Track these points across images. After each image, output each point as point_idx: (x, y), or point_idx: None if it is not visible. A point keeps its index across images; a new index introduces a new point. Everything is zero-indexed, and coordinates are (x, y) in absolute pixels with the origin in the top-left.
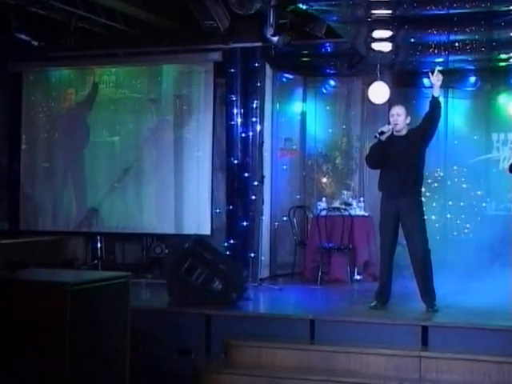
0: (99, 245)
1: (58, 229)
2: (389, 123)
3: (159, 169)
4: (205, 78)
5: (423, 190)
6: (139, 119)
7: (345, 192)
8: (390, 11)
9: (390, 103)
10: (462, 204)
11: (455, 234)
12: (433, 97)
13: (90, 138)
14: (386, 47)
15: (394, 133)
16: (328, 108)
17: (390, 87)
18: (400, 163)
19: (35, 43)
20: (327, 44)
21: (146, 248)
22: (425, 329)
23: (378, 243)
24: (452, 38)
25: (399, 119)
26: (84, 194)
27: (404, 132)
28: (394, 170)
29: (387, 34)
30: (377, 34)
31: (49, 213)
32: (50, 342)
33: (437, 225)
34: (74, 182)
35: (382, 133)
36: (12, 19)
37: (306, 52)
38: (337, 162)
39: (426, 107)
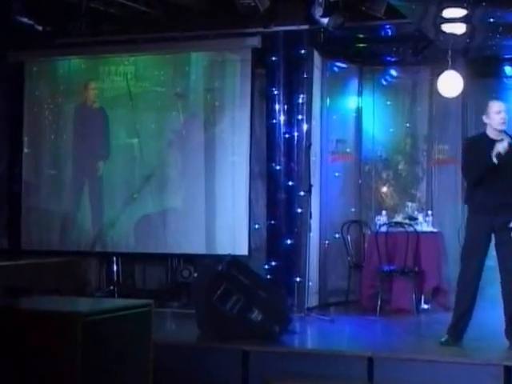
0: (116, 267)
1: (66, 248)
2: (484, 127)
3: (187, 176)
4: (241, 67)
5: None
6: (163, 117)
7: (409, 204)
8: None
9: (464, 97)
10: None
11: None
12: None
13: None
14: (460, 29)
15: (493, 136)
16: (389, 103)
17: (463, 77)
18: (500, 175)
19: (39, 28)
20: (388, 26)
21: (172, 271)
22: (508, 370)
23: (450, 265)
24: None
25: (506, 117)
26: (99, 207)
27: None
28: (492, 181)
29: (461, 12)
30: (448, 12)
31: (56, 229)
32: (59, 381)
33: None
34: (91, 193)
35: (498, 154)
36: (12, 0)
37: (362, 36)
38: (399, 167)
39: (508, 100)
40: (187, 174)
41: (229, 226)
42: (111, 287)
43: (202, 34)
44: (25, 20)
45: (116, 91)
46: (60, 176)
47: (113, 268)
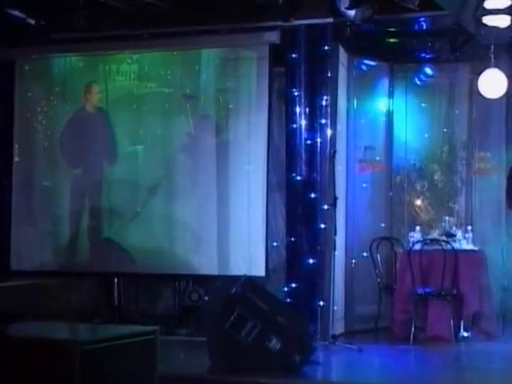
0: (117, 290)
1: (61, 268)
2: None
3: (197, 188)
4: (257, 66)
5: None
6: (170, 122)
7: (446, 218)
8: None
9: (509, 98)
10: None
11: None
12: None
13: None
14: (503, 21)
15: None
16: (423, 105)
17: (507, 76)
18: None
19: (32, 22)
20: (422, 19)
21: (179, 294)
22: None
23: (493, 288)
24: None
25: None
26: (99, 222)
27: None
28: None
29: (504, 3)
30: (490, 3)
31: (50, 247)
32: None
33: None
34: (91, 206)
35: None
36: None
37: (393, 30)
38: (435, 177)
39: None
40: (197, 185)
41: (243, 243)
42: (112, 312)
43: (214, 29)
44: (16, 13)
45: (118, 93)
46: (55, 188)
47: (114, 290)
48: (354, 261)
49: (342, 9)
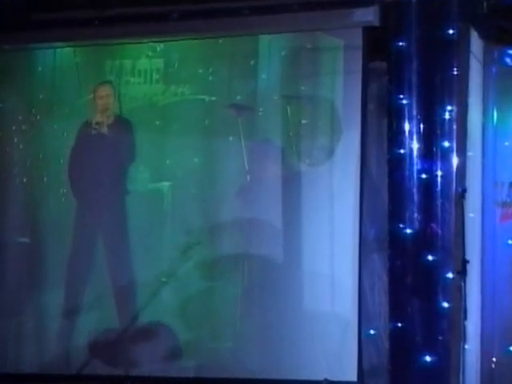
0: None
1: (48, 370)
2: None
3: (253, 247)
4: (345, 60)
5: None
6: (212, 146)
7: None
8: None
9: None
10: None
11: None
12: None
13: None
14: None
15: None
16: None
17: None
18: None
19: None
20: None
21: None
22: None
23: None
24: None
25: None
26: (105, 300)
27: None
28: None
29: None
30: None
31: (30, 339)
32: None
33: None
34: (94, 275)
35: None
36: None
37: None
38: None
39: None
40: (254, 242)
41: (325, 331)
42: None
43: (280, 4)
44: None
45: (133, 102)
46: (39, 247)
47: None
48: (494, 359)
49: None
